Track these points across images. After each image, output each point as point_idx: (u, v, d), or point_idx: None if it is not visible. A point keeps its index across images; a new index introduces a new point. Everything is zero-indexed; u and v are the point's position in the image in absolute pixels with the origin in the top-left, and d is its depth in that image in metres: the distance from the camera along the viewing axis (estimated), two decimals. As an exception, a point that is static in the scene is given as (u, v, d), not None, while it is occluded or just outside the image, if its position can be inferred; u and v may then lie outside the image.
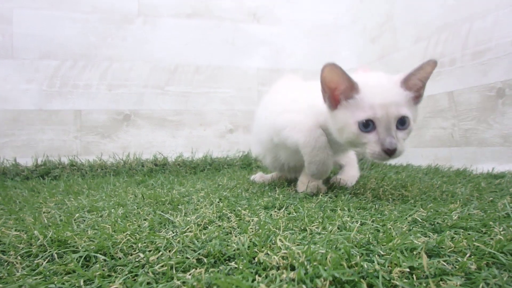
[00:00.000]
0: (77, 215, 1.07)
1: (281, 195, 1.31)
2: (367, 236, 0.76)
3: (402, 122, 1.13)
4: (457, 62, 2.12)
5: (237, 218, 0.98)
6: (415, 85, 1.18)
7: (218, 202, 1.21)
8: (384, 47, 2.81)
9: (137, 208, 1.15)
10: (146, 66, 2.72)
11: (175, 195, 1.37)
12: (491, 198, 1.13)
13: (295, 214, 1.00)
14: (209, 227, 0.90)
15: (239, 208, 1.08)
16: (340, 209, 1.04)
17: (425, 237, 0.75)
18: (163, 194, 1.41)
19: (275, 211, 1.05)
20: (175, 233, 0.84)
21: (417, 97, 1.20)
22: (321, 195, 1.28)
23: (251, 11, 3.05)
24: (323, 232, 0.81)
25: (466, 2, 2.08)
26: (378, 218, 0.93)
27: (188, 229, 0.87)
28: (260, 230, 0.82)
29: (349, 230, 0.82)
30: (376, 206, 1.09)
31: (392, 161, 2.54)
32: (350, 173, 1.70)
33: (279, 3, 3.14)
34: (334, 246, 0.70)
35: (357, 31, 3.17)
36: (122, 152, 2.55)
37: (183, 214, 1.05)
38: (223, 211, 1.05)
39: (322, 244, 0.71)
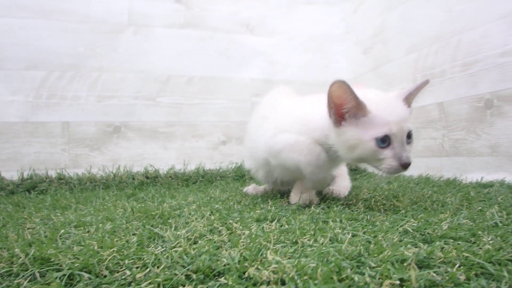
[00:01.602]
0: (62, 231, 1.04)
1: (273, 207, 1.31)
2: (358, 248, 0.75)
3: (408, 136, 1.18)
4: (447, 74, 2.14)
5: (228, 232, 0.97)
6: (410, 101, 1.26)
7: (210, 215, 1.20)
8: (377, 59, 2.83)
9: (126, 223, 1.13)
10: (137, 77, 2.70)
11: (165, 209, 1.35)
12: (480, 208, 1.13)
13: (287, 226, 0.99)
14: (199, 241, 0.88)
15: (231, 221, 1.07)
16: (332, 221, 1.04)
17: (416, 247, 0.75)
18: (154, 207, 1.39)
19: (267, 224, 1.05)
20: (164, 248, 0.82)
21: None
22: (314, 207, 1.28)
23: (244, 22, 3.06)
24: (314, 245, 0.81)
25: (456, 15, 2.11)
26: (370, 229, 0.92)
27: (177, 243, 0.85)
28: (251, 244, 0.81)
29: (341, 242, 0.81)
30: (368, 217, 1.08)
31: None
32: (343, 184, 1.70)
33: (272, 14, 3.14)
34: (325, 259, 0.69)
35: (351, 42, 3.19)
36: (112, 165, 2.51)
37: (173, 228, 1.03)
38: (214, 225, 1.04)
39: (314, 257, 0.70)
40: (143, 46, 2.75)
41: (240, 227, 1.00)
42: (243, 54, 3.03)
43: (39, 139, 2.47)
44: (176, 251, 0.78)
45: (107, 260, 0.74)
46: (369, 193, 1.57)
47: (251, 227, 1.00)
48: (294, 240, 0.85)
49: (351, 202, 1.35)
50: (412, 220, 0.99)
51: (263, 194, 1.77)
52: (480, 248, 0.72)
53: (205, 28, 2.94)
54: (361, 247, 0.75)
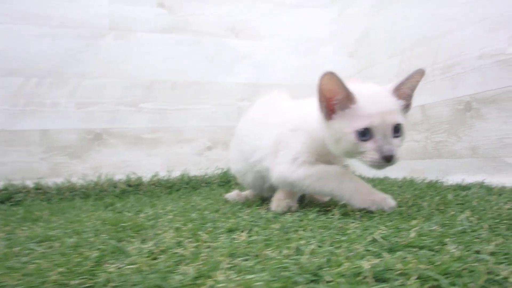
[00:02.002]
0: (19, 247, 1.01)
1: (249, 216, 1.29)
2: (320, 260, 0.73)
3: (396, 130, 1.15)
4: (428, 76, 2.13)
5: (196, 244, 0.94)
6: (404, 93, 1.21)
7: (183, 226, 1.17)
8: (362, 62, 2.83)
9: (94, 236, 1.11)
10: (119, 83, 2.66)
11: (140, 219, 1.33)
12: (452, 212, 1.11)
13: (255, 237, 0.97)
14: (161, 256, 0.86)
15: (201, 232, 1.05)
16: (303, 230, 1.02)
17: (379, 258, 0.73)
18: (128, 218, 1.37)
19: (238, 234, 1.02)
20: (122, 265, 0.79)
21: (406, 106, 1.23)
22: (289, 215, 1.26)
23: (229, 26, 3.03)
24: (278, 257, 0.78)
25: (436, 19, 2.12)
26: (338, 238, 0.90)
27: (137, 259, 0.83)
28: (213, 258, 0.79)
29: (304, 253, 0.79)
30: (341, 225, 1.06)
31: (370, 174, 2.54)
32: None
33: (258, 18, 3.12)
34: (282, 273, 0.67)
35: (337, 46, 3.18)
36: (93, 173, 2.47)
37: (140, 241, 1.01)
38: (184, 236, 1.02)
39: (270, 271, 0.68)
40: (125, 51, 2.71)
41: (209, 239, 0.98)
42: (228, 58, 3.00)
43: (16, 148, 2.41)
44: (130, 268, 0.75)
45: (51, 282, 0.71)
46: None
47: (220, 238, 0.97)
48: (257, 253, 0.82)
49: (329, 208, 1.32)
50: (383, 227, 0.97)
51: (245, 201, 1.75)
52: (442, 258, 0.70)
53: (189, 32, 2.91)
54: (323, 259, 0.73)
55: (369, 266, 0.64)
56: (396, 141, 1.15)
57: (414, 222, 1.01)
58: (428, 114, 2.14)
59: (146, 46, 2.77)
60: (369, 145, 1.13)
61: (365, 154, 1.14)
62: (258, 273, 0.67)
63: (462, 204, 1.27)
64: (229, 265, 0.74)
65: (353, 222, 1.08)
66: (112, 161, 2.59)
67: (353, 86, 1.18)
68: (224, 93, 2.94)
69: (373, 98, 1.17)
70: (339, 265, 0.68)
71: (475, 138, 1.87)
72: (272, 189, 1.57)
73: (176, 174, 2.63)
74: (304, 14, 3.27)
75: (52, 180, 2.36)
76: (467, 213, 1.07)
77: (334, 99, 1.18)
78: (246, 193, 1.85)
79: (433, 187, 1.78)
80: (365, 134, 1.13)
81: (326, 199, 1.58)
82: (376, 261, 0.69)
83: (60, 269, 0.76)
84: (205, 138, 2.85)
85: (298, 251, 0.81)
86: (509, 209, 1.10)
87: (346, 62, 3.04)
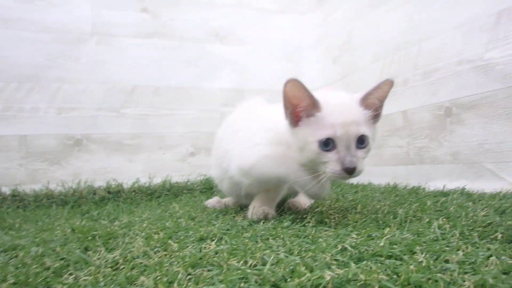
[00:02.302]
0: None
1: (223, 224, 1.26)
2: (284, 270, 0.71)
3: (361, 141, 1.12)
4: (409, 82, 2.13)
5: (163, 253, 0.92)
6: (373, 104, 1.18)
7: (154, 234, 1.15)
8: (345, 67, 2.82)
9: (61, 245, 1.08)
10: (100, 88, 2.63)
11: (113, 227, 1.30)
12: (428, 220, 1.10)
13: (223, 246, 0.95)
14: (125, 266, 0.84)
15: (171, 241, 1.03)
16: (273, 238, 1.00)
17: (345, 268, 0.71)
18: (101, 226, 1.34)
19: (207, 243, 1.00)
20: (82, 275, 0.77)
21: (376, 116, 1.20)
22: (264, 223, 1.24)
23: (213, 31, 3.02)
24: (242, 267, 0.76)
25: (416, 24, 2.12)
26: (307, 247, 0.88)
27: (98, 269, 0.80)
28: (175, 268, 0.76)
29: (268, 264, 0.77)
30: (314, 233, 1.04)
31: (354, 180, 2.52)
32: (304, 197, 1.66)
33: (242, 23, 3.12)
34: (242, 284, 0.65)
35: (321, 51, 3.18)
36: (72, 180, 2.43)
37: (106, 250, 0.98)
38: (153, 245, 0.99)
39: (230, 282, 0.66)
40: (107, 56, 2.69)
41: (177, 248, 0.95)
42: (212, 64, 2.99)
43: (-6, 154, 2.37)
44: (87, 280, 0.72)
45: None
46: (329, 205, 1.53)
47: (188, 248, 0.95)
48: (221, 263, 0.80)
49: (305, 216, 1.30)
50: (355, 235, 0.95)
51: (224, 208, 1.73)
52: (407, 268, 0.68)
53: (173, 37, 2.90)
54: (287, 270, 0.71)
55: (330, 277, 0.62)
56: (360, 152, 1.13)
57: (387, 229, 1.00)
58: (410, 119, 2.14)
59: (129, 51, 2.75)
60: (331, 156, 1.11)
61: (327, 164, 1.12)
62: (217, 284, 0.65)
63: (440, 211, 1.26)
64: (189, 276, 0.72)
65: (326, 230, 1.07)
66: (93, 167, 2.55)
67: (320, 94, 1.17)
68: (207, 99, 2.92)
69: (338, 108, 1.15)
70: (301, 276, 0.66)
71: (456, 144, 1.86)
72: (250, 197, 1.54)
73: (157, 180, 2.60)
74: (288, 20, 3.27)
75: (30, 187, 2.32)
76: (442, 220, 1.06)
77: (299, 106, 1.15)
78: (226, 200, 1.83)
79: (415, 193, 1.77)
80: (328, 144, 1.10)
81: (306, 206, 1.56)
82: (341, 271, 0.67)
83: (12, 280, 0.74)
84: (188, 144, 2.83)
85: (263, 261, 0.79)
86: (484, 216, 1.09)
87: (329, 67, 3.03)
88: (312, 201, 1.62)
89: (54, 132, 2.49)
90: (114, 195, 2.34)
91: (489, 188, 1.65)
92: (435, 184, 1.89)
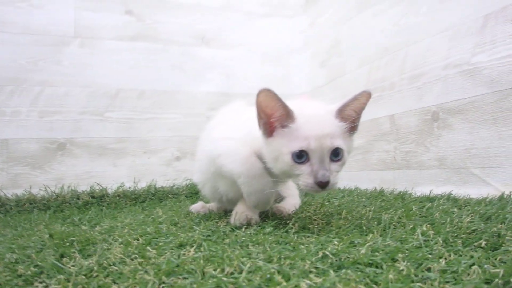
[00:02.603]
0: None
1: (205, 230, 1.24)
2: (261, 278, 0.68)
3: (336, 154, 1.10)
4: (396, 86, 2.13)
5: (140, 260, 0.89)
6: (349, 115, 1.16)
7: (134, 240, 1.12)
8: (332, 71, 2.81)
9: (37, 252, 1.05)
10: (83, 91, 2.59)
11: (93, 233, 1.27)
12: (412, 226, 1.08)
13: (201, 253, 0.92)
14: (99, 273, 0.81)
15: (150, 248, 1.00)
16: (253, 245, 0.98)
17: (324, 276, 0.68)
18: (81, 231, 1.31)
19: (186, 250, 0.97)
20: (54, 283, 0.75)
21: (352, 128, 1.17)
22: (246, 228, 1.21)
23: (199, 34, 3.00)
24: (218, 275, 0.73)
25: (402, 29, 2.12)
26: (287, 254, 0.85)
27: (71, 277, 0.78)
28: (149, 276, 0.74)
29: (247, 271, 0.74)
30: (296, 239, 1.02)
31: (341, 185, 2.51)
32: (290, 202, 1.64)
33: (228, 26, 3.10)
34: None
35: (308, 55, 3.18)
36: (55, 184, 2.38)
37: (83, 257, 0.96)
38: (131, 251, 0.97)
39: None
40: (91, 59, 2.65)
41: (155, 255, 0.93)
42: (198, 67, 2.96)
43: (-26, 159, 2.31)
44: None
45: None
46: (314, 210, 1.51)
47: (166, 255, 0.92)
48: (198, 271, 0.77)
49: (289, 221, 1.28)
50: (338, 242, 0.93)
51: (208, 213, 1.71)
52: (386, 277, 0.65)
53: (158, 41, 2.86)
54: (264, 278, 0.68)
55: (306, 286, 0.60)
56: (334, 166, 1.11)
57: (370, 236, 0.98)
58: (397, 124, 2.13)
59: (113, 54, 2.71)
60: (304, 169, 1.09)
61: (300, 177, 1.10)
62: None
63: (425, 217, 1.25)
64: (163, 285, 0.70)
65: (309, 236, 1.05)
66: (76, 172, 2.51)
67: (295, 103, 1.15)
68: (193, 103, 2.89)
69: (313, 119, 1.12)
70: (277, 285, 0.64)
71: (442, 149, 1.86)
72: (233, 202, 1.51)
73: (142, 185, 2.56)
74: (275, 23, 3.26)
75: (12, 192, 2.26)
76: (426, 226, 1.04)
77: (273, 116, 1.13)
78: (211, 205, 1.81)
79: (401, 198, 1.76)
80: (301, 156, 1.08)
81: (290, 211, 1.54)
82: (319, 280, 0.65)
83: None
84: (173, 148, 2.79)
85: (240, 269, 0.76)
86: (469, 222, 1.08)
87: (317, 71, 3.02)
88: (297, 207, 1.61)
89: (36, 136, 2.44)
90: (98, 200, 2.30)
91: (475, 194, 1.64)
92: (421, 189, 1.89)
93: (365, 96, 1.14)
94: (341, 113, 1.14)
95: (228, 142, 1.33)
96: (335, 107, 1.15)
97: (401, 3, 2.13)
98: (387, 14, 2.23)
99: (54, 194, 2.28)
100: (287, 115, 1.11)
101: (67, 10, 2.61)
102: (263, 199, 1.26)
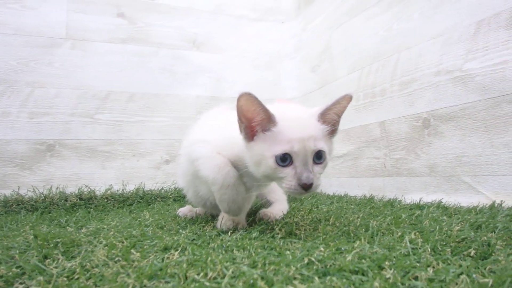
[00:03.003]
0: None
1: (191, 234, 1.23)
2: (244, 283, 0.67)
3: (318, 157, 1.11)
4: (387, 92, 2.11)
5: (124, 263, 0.88)
6: (331, 119, 1.17)
7: (119, 243, 1.10)
8: (323, 77, 2.81)
9: (20, 252, 1.03)
10: (74, 93, 2.56)
11: (78, 235, 1.26)
12: (400, 233, 1.07)
13: (185, 257, 0.90)
14: (81, 276, 0.80)
15: (134, 250, 0.99)
16: (237, 250, 0.97)
17: (308, 283, 0.67)
18: (66, 233, 1.29)
19: (170, 253, 0.96)
20: (34, 285, 0.74)
21: (332, 131, 1.18)
22: (232, 233, 1.20)
23: (190, 38, 2.99)
24: (201, 280, 0.72)
25: (394, 34, 2.10)
26: (272, 260, 0.84)
27: (52, 279, 0.77)
28: (130, 279, 0.72)
29: (229, 277, 0.73)
30: (282, 244, 1.01)
31: (330, 191, 2.50)
32: (277, 207, 1.64)
33: (220, 31, 3.10)
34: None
35: (299, 60, 3.17)
36: (43, 186, 2.36)
37: (66, 259, 0.94)
38: (115, 254, 0.95)
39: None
40: (82, 61, 2.63)
41: (139, 258, 0.91)
42: (188, 71, 2.95)
43: (-38, 159, 2.29)
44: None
45: None
46: (302, 216, 1.50)
47: (150, 258, 0.91)
48: (181, 274, 0.76)
49: (275, 226, 1.27)
50: (322, 248, 0.92)
51: (195, 216, 1.71)
52: (372, 285, 0.64)
53: (149, 44, 2.85)
54: (246, 284, 0.67)
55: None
56: (317, 168, 1.12)
57: (358, 243, 0.97)
58: (387, 130, 2.12)
59: (104, 56, 2.70)
60: (288, 171, 1.09)
61: (283, 180, 1.10)
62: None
63: (414, 224, 1.24)
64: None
65: (295, 242, 1.04)
66: (65, 173, 2.48)
67: (275, 107, 1.15)
68: (182, 106, 2.88)
69: (296, 122, 1.13)
70: (259, 291, 0.62)
71: (433, 156, 1.84)
72: (217, 207, 1.51)
73: (131, 188, 2.54)
74: (267, 28, 3.26)
75: (0, 192, 2.23)
76: (414, 234, 1.03)
77: (254, 121, 1.13)
78: (198, 208, 1.79)
79: (390, 205, 1.75)
80: (285, 159, 1.09)
81: (278, 216, 1.52)
82: (303, 286, 0.64)
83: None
84: (162, 151, 2.77)
85: (224, 274, 0.75)
86: (458, 230, 1.07)
87: (308, 76, 3.02)
88: (285, 212, 1.60)
89: (25, 137, 2.41)
90: (85, 202, 2.28)
91: (465, 202, 1.64)
92: (411, 197, 1.88)
93: (347, 99, 1.16)
94: (323, 117, 1.16)
95: (206, 148, 1.33)
96: (317, 111, 1.16)
97: (393, 8, 2.12)
98: (379, 20, 2.22)
99: (42, 196, 2.26)
100: (268, 119, 1.11)
101: (59, 12, 2.59)
102: (234, 207, 1.27)
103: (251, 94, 1.08)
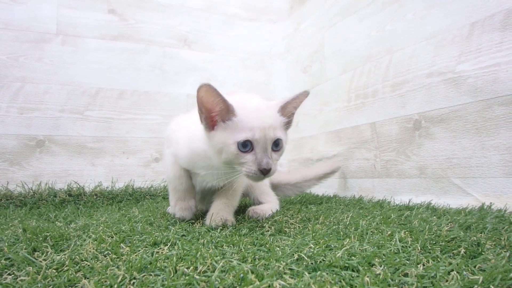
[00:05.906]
0: None
1: (180, 230, 1.24)
2: (233, 277, 0.67)
3: (276, 144, 1.21)
4: (378, 93, 2.11)
5: (113, 256, 0.88)
6: (289, 112, 1.30)
7: (108, 238, 1.10)
8: (315, 77, 2.80)
9: (9, 245, 1.03)
10: (64, 89, 2.54)
11: (67, 229, 1.26)
12: (389, 232, 1.07)
13: (175, 251, 0.90)
14: (70, 268, 0.80)
15: (123, 245, 1.00)
16: (227, 246, 0.97)
17: (298, 277, 0.67)
18: (55, 228, 1.29)
19: (160, 248, 0.96)
20: (23, 275, 0.74)
21: (288, 123, 1.31)
22: (220, 230, 1.21)
23: (182, 36, 2.98)
24: (190, 273, 0.72)
25: (387, 35, 2.10)
26: (262, 255, 0.84)
27: (41, 270, 0.77)
28: (120, 272, 0.72)
29: (219, 271, 0.73)
30: (272, 241, 1.01)
31: (319, 192, 2.50)
32: (267, 206, 1.67)
33: (212, 29, 3.09)
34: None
35: (291, 61, 3.17)
36: (32, 181, 2.34)
37: (55, 252, 0.95)
38: (105, 248, 0.96)
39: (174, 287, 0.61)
40: (72, 57, 2.61)
41: (128, 252, 0.92)
42: (179, 69, 2.95)
43: (-50, 154, 2.26)
44: (26, 280, 0.68)
45: None
46: (291, 215, 1.50)
47: (139, 252, 0.91)
48: (170, 268, 0.76)
49: (265, 224, 1.28)
50: (312, 245, 0.92)
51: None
52: (362, 280, 0.64)
53: (140, 41, 2.84)
54: (236, 278, 0.67)
55: (280, 287, 0.58)
56: (274, 155, 1.22)
57: (347, 240, 0.97)
58: (378, 131, 2.12)
59: (94, 52, 2.68)
60: (248, 157, 1.18)
61: (244, 165, 1.18)
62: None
63: (404, 224, 1.24)
64: (134, 281, 0.68)
65: (285, 239, 1.04)
66: (54, 169, 2.46)
67: (234, 98, 1.22)
68: (173, 104, 2.87)
69: (256, 113, 1.21)
70: (250, 284, 0.62)
71: (423, 158, 1.85)
72: (205, 202, 1.61)
73: (120, 185, 2.53)
74: (259, 28, 3.26)
75: (-12, 187, 2.21)
76: (404, 233, 1.03)
77: (213, 111, 1.20)
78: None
79: (379, 206, 1.76)
80: (246, 145, 1.17)
81: (267, 214, 1.53)
82: (293, 281, 0.64)
83: None
84: (152, 149, 2.76)
85: (213, 268, 0.75)
86: (448, 230, 1.07)
87: (299, 77, 3.02)
88: (274, 210, 1.61)
89: (15, 132, 2.38)
90: (75, 198, 2.27)
91: (455, 204, 1.64)
92: (401, 198, 1.89)
93: (305, 95, 1.28)
94: (283, 110, 1.26)
95: (166, 152, 1.56)
96: (278, 103, 1.27)
97: (386, 9, 2.12)
98: (372, 20, 2.22)
99: (31, 191, 2.25)
100: (227, 110, 1.19)
101: (49, 7, 2.57)
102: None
103: (210, 86, 1.15)
